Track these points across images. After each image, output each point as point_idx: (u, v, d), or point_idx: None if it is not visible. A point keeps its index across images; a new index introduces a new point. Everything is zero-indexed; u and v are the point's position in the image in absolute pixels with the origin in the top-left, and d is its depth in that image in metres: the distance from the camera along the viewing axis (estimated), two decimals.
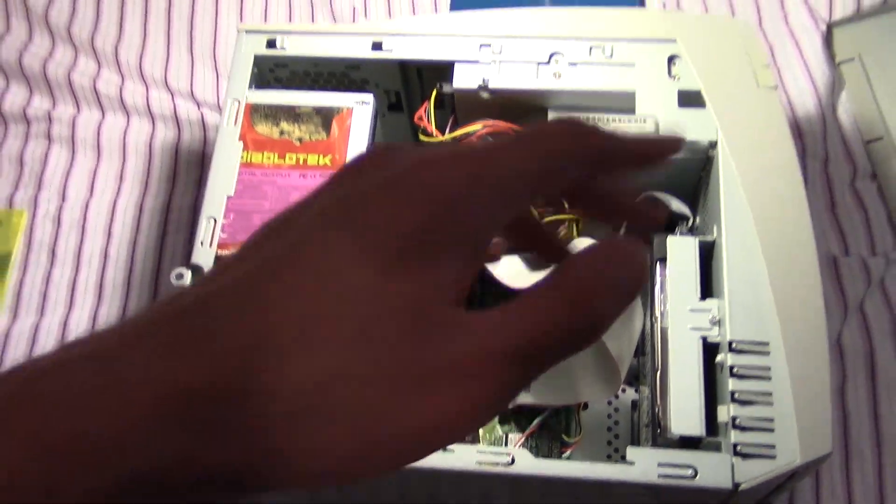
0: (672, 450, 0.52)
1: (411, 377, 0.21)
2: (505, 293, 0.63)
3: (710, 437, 0.53)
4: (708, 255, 0.59)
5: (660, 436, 0.55)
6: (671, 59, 0.64)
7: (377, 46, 0.66)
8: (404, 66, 0.68)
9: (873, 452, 0.66)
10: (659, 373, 0.56)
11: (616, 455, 0.65)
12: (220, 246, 0.59)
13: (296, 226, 0.23)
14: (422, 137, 0.65)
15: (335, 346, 0.21)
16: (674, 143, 0.30)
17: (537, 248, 0.36)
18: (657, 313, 0.58)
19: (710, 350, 0.56)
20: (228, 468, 0.21)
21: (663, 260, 0.59)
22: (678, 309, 0.57)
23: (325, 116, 0.63)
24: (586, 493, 0.55)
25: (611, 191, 0.32)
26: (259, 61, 0.67)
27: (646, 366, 0.62)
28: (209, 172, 0.61)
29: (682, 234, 0.61)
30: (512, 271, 0.64)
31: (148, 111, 0.84)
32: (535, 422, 0.65)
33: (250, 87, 0.65)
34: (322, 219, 0.23)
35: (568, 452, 0.64)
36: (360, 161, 0.25)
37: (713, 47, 0.64)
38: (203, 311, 0.21)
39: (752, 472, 0.50)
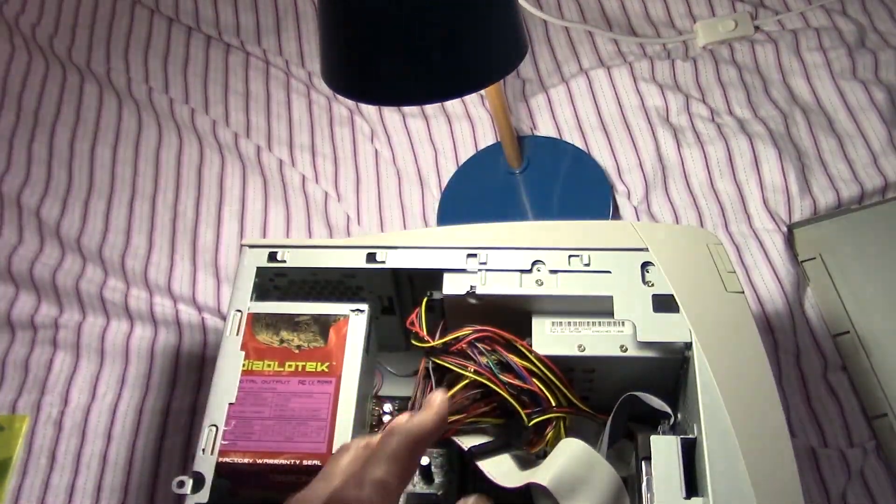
0: None
1: None
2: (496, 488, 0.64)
3: None
4: (690, 451, 0.62)
5: None
6: (644, 266, 0.68)
7: (371, 257, 0.71)
8: (397, 274, 0.73)
9: None
10: None
11: None
12: (221, 453, 0.61)
13: None
14: (414, 342, 0.68)
15: None
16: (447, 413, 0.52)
17: None
18: None
19: None
20: None
21: (648, 458, 0.61)
22: None
23: (323, 325, 0.66)
24: None
25: None
26: (261, 272, 0.71)
27: None
28: (212, 380, 0.63)
29: (664, 432, 0.63)
30: (502, 469, 0.66)
31: (151, 317, 0.88)
32: None
33: (252, 297, 0.69)
34: None
35: None
36: None
37: (682, 255, 0.69)
38: None
39: None
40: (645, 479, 0.61)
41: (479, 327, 0.66)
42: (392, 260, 0.71)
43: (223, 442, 0.61)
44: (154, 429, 0.82)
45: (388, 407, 0.76)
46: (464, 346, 0.66)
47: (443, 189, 0.97)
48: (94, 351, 0.86)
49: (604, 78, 1.01)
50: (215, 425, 0.62)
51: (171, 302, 0.90)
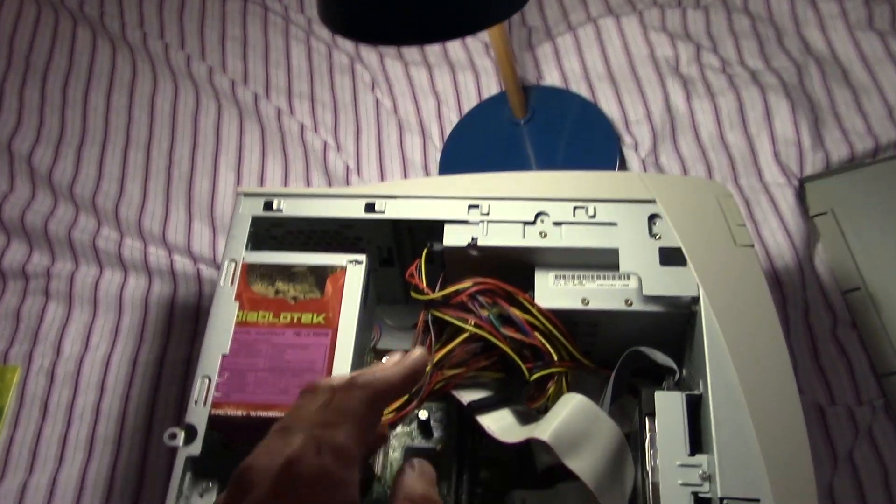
0: None
1: None
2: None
3: None
4: (695, 408, 0.60)
5: None
6: (651, 219, 0.66)
7: (370, 207, 0.69)
8: (396, 225, 0.71)
9: None
10: None
11: None
12: (214, 405, 0.59)
13: None
14: (413, 294, 0.66)
15: None
16: (420, 370, 0.49)
17: None
18: (648, 468, 0.59)
19: None
20: None
21: (652, 415, 0.60)
22: (668, 464, 0.57)
23: (320, 275, 0.65)
24: None
25: None
26: (256, 222, 0.69)
27: None
28: (205, 332, 0.62)
29: (668, 388, 0.62)
30: (503, 424, 0.65)
31: (145, 267, 0.86)
32: None
33: (247, 247, 0.67)
34: None
35: None
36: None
37: (691, 207, 0.67)
38: None
39: None
40: (648, 435, 0.60)
41: (480, 280, 0.65)
42: (391, 210, 0.69)
43: (216, 394, 0.60)
44: (148, 380, 0.80)
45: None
46: (464, 298, 0.64)
47: (445, 139, 0.94)
48: (86, 301, 0.85)
49: (612, 27, 0.98)
50: (208, 377, 0.61)
51: (165, 252, 0.88)
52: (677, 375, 0.63)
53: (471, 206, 0.68)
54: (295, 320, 0.63)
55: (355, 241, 0.72)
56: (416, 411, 0.71)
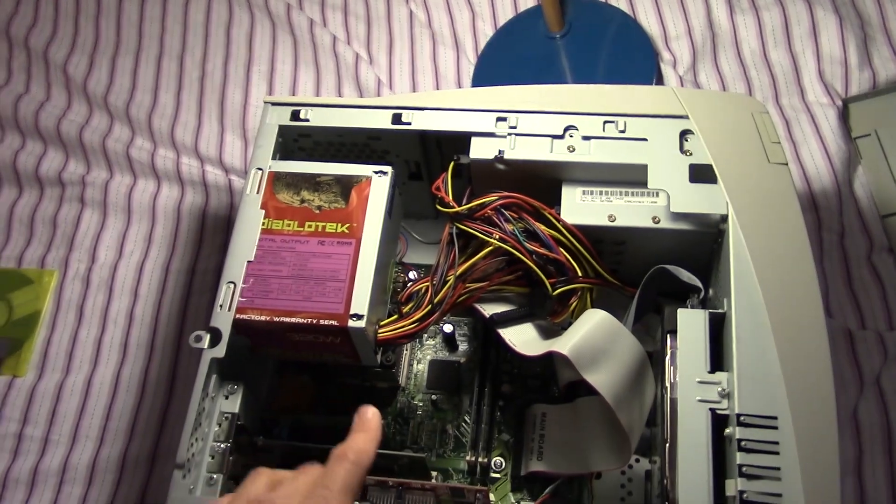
0: None
1: None
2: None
3: None
4: (719, 327, 0.60)
5: None
6: (683, 135, 0.65)
7: (397, 119, 0.68)
8: (424, 138, 0.70)
9: None
10: (668, 444, 0.56)
11: None
12: (238, 310, 0.60)
13: None
14: (439, 207, 0.66)
15: None
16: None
17: None
18: (667, 384, 0.58)
19: (719, 423, 0.56)
20: None
21: (674, 332, 0.60)
22: (687, 381, 0.57)
23: (345, 185, 0.65)
24: None
25: None
26: (283, 131, 0.69)
27: (657, 437, 0.62)
28: (230, 239, 0.62)
29: (692, 306, 0.61)
30: (525, 338, 0.65)
31: (178, 177, 0.87)
32: (548, 490, 0.65)
33: (274, 156, 0.67)
34: None
35: None
36: None
37: (725, 123, 0.65)
38: None
39: None
40: (669, 352, 0.59)
41: (506, 193, 0.64)
42: (418, 121, 0.68)
43: (241, 299, 0.61)
44: (180, 287, 0.82)
45: (412, 274, 0.75)
46: (489, 212, 0.64)
47: (479, 53, 0.92)
48: (121, 209, 0.86)
49: None
50: (233, 282, 0.61)
51: (197, 162, 0.88)
52: (702, 294, 0.63)
53: (498, 119, 0.67)
54: (319, 229, 0.63)
55: (383, 154, 0.71)
56: (441, 323, 0.72)
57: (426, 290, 0.65)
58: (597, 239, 0.65)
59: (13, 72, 0.96)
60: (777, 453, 0.53)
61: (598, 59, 0.88)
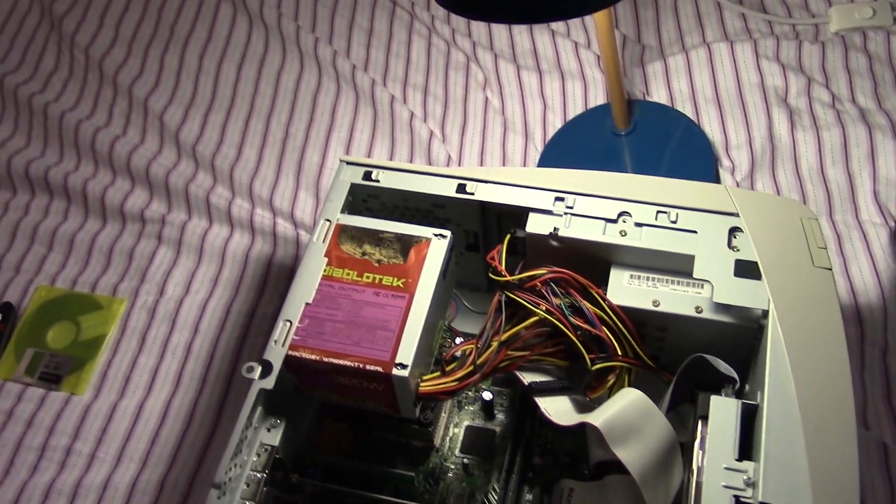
0: None
1: None
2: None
3: None
4: (750, 419, 0.61)
5: None
6: (732, 231, 0.67)
7: (461, 188, 0.72)
8: (484, 210, 0.74)
9: None
10: None
11: None
12: (291, 347, 0.64)
13: None
14: (492, 276, 0.69)
15: None
16: None
17: None
18: (694, 467, 0.59)
19: None
20: None
21: (705, 418, 0.61)
22: (714, 466, 0.58)
23: (405, 244, 0.68)
24: None
25: None
26: (354, 189, 0.74)
27: None
28: (293, 280, 0.66)
29: (726, 395, 0.63)
30: (560, 408, 0.67)
31: (250, 226, 0.93)
32: None
33: (343, 211, 0.72)
34: None
35: None
36: None
37: (774, 224, 0.67)
38: None
39: None
40: (699, 437, 0.61)
41: (557, 269, 0.67)
42: (481, 193, 0.72)
43: (294, 337, 0.64)
44: (238, 328, 0.86)
45: (459, 340, 0.78)
46: (539, 284, 0.67)
47: (546, 142, 0.97)
48: (193, 249, 0.91)
49: (725, 52, 0.99)
50: (290, 321, 0.65)
51: (270, 214, 0.94)
52: (737, 385, 0.64)
53: (557, 199, 0.71)
54: (376, 281, 0.67)
55: (444, 221, 0.75)
56: (481, 389, 0.74)
57: (470, 352, 0.68)
58: (640, 322, 0.67)
59: (114, 116, 1.04)
60: None
61: (660, 158, 0.92)
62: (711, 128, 0.95)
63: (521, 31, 1.06)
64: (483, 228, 0.76)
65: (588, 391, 0.68)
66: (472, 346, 0.68)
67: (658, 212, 0.69)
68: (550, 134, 0.98)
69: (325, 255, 0.68)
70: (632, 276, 0.68)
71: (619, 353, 0.66)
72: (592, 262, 0.69)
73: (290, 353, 0.63)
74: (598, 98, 1.00)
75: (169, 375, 0.83)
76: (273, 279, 0.89)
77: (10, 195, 1.00)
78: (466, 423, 0.74)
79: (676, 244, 0.67)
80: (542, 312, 0.66)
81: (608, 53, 0.84)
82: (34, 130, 1.05)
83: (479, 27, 1.08)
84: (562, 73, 1.02)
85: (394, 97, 1.02)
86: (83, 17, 1.14)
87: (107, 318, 0.87)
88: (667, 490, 0.62)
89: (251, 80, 1.07)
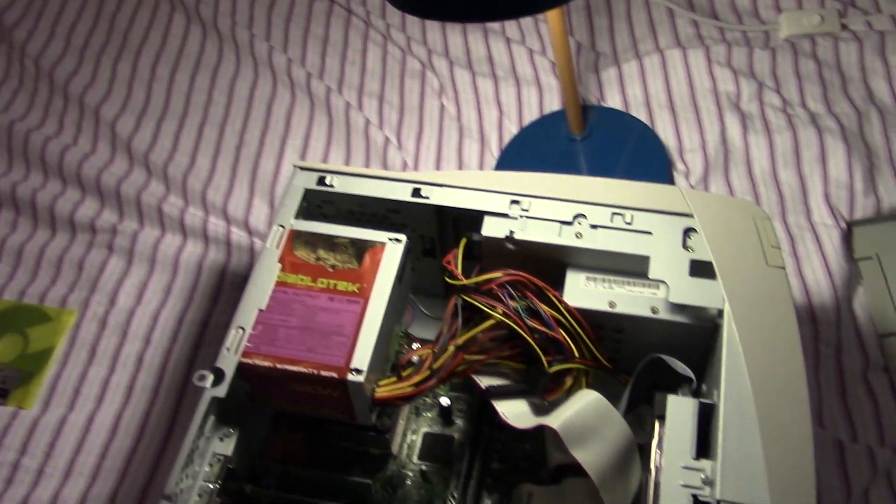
0: None
1: None
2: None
3: None
4: (707, 418, 0.61)
5: None
6: (687, 232, 0.68)
7: (417, 192, 0.72)
8: (441, 214, 0.74)
9: None
10: None
11: None
12: (244, 354, 0.62)
13: None
14: (447, 280, 0.69)
15: None
16: None
17: None
18: (652, 468, 0.59)
19: None
20: None
21: (662, 417, 0.61)
22: (672, 465, 0.58)
23: (360, 248, 0.68)
24: None
25: None
26: (308, 195, 0.73)
27: None
28: (245, 287, 0.65)
29: (683, 395, 0.63)
30: (517, 411, 0.66)
31: (204, 234, 0.91)
32: None
33: (297, 217, 0.71)
34: None
35: None
36: None
37: (727, 225, 0.68)
38: None
39: None
40: (657, 437, 0.61)
41: (513, 271, 0.67)
42: (436, 197, 0.72)
43: (247, 344, 0.63)
44: (191, 339, 0.84)
45: (416, 346, 0.77)
46: (495, 287, 0.66)
47: (502, 148, 0.97)
48: (145, 259, 0.90)
49: (678, 58, 1.00)
50: (242, 328, 0.64)
51: (224, 223, 0.92)
52: (693, 384, 0.64)
53: (512, 202, 0.70)
54: (331, 286, 0.66)
55: (400, 227, 0.75)
56: (438, 395, 0.73)
57: (427, 357, 0.67)
58: (597, 324, 0.67)
59: (65, 125, 1.02)
60: None
61: (616, 163, 0.93)
62: (666, 133, 0.96)
63: (476, 38, 1.07)
64: (439, 233, 0.76)
65: (545, 394, 0.68)
66: (429, 350, 0.67)
67: (613, 213, 0.69)
68: (506, 140, 0.98)
69: (279, 261, 0.67)
70: (588, 278, 0.68)
71: (576, 355, 0.66)
72: (548, 264, 0.69)
73: (242, 360, 0.62)
74: (553, 104, 1.00)
75: (120, 387, 0.82)
76: (227, 288, 0.88)
77: None
78: (424, 429, 0.73)
79: (631, 245, 0.68)
80: (498, 315, 0.66)
81: (562, 59, 0.85)
82: None
83: (434, 34, 1.08)
84: (517, 79, 1.02)
85: (349, 104, 1.02)
86: (34, 27, 1.12)
87: (56, 330, 0.85)
88: (625, 491, 0.62)
89: (204, 88, 1.05)
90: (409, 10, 0.78)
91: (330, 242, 0.68)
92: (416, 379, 0.66)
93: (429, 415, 0.74)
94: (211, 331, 0.85)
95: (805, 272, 0.83)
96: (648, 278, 0.66)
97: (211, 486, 0.61)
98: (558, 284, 0.68)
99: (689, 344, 0.66)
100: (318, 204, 0.74)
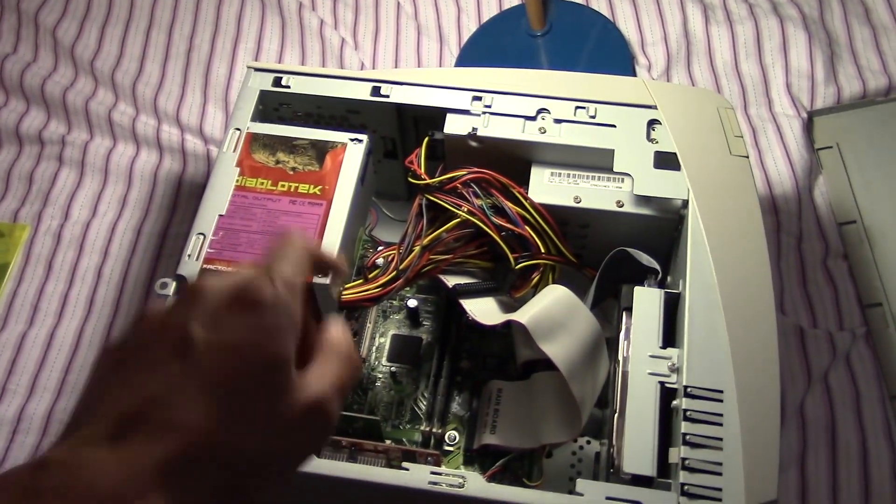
0: (621, 485, 0.53)
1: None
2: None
3: (662, 478, 0.54)
4: (673, 308, 0.62)
5: (613, 475, 0.57)
6: (651, 124, 0.67)
7: (376, 91, 0.70)
8: (401, 113, 0.72)
9: None
10: (617, 415, 0.58)
11: None
12: (206, 261, 0.61)
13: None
14: (411, 180, 0.68)
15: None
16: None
17: None
18: (620, 358, 0.60)
19: (667, 396, 0.57)
20: None
21: (629, 309, 0.61)
22: (639, 355, 0.59)
23: (320, 150, 0.66)
24: None
25: None
26: (264, 97, 0.71)
27: (608, 411, 0.64)
28: (204, 192, 0.64)
29: (649, 286, 0.63)
30: (486, 309, 0.67)
31: (157, 143, 0.88)
32: (498, 463, 0.66)
33: (254, 120, 0.69)
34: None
35: None
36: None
37: (691, 115, 0.67)
38: None
39: None
40: (624, 328, 0.61)
41: (477, 169, 0.66)
42: (396, 95, 0.70)
43: (209, 250, 0.62)
44: (150, 250, 0.82)
45: (381, 249, 0.76)
46: (459, 185, 0.65)
47: (461, 46, 0.95)
48: (98, 170, 0.87)
49: None
50: (203, 234, 0.63)
51: (178, 131, 0.89)
52: (659, 275, 0.64)
53: (474, 98, 0.69)
54: (292, 189, 0.64)
55: (360, 128, 0.73)
56: (405, 297, 0.73)
57: (392, 258, 0.66)
58: (562, 220, 0.67)
59: (2, 33, 0.97)
60: (720, 424, 0.54)
61: (577, 58, 0.91)
62: (627, 26, 0.94)
63: None
64: (400, 134, 0.74)
65: (513, 291, 0.68)
66: (395, 252, 0.66)
67: (577, 107, 0.68)
68: (465, 38, 0.95)
69: (237, 165, 0.66)
70: (552, 174, 0.68)
71: (543, 251, 0.66)
72: (513, 161, 0.68)
73: (205, 266, 0.61)
74: (512, 1, 0.97)
75: (80, 302, 0.80)
76: (184, 197, 0.86)
77: None
78: (392, 331, 0.73)
79: (596, 139, 0.67)
80: (463, 214, 0.65)
81: None
82: None
83: None
84: None
85: (301, 4, 0.98)
86: None
87: (8, 246, 0.83)
88: (594, 383, 0.63)
89: None
90: None
91: (289, 145, 0.67)
92: (383, 280, 0.66)
93: (396, 317, 0.74)
94: (170, 241, 0.83)
95: (767, 163, 0.83)
96: (613, 172, 0.66)
97: None
98: (523, 181, 0.67)
99: (655, 236, 0.66)
100: (275, 107, 0.72)
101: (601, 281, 0.66)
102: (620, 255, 0.66)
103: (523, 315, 0.61)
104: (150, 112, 0.91)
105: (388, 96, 0.70)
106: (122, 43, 0.96)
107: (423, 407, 0.69)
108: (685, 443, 0.54)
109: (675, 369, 0.58)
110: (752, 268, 0.61)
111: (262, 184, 0.65)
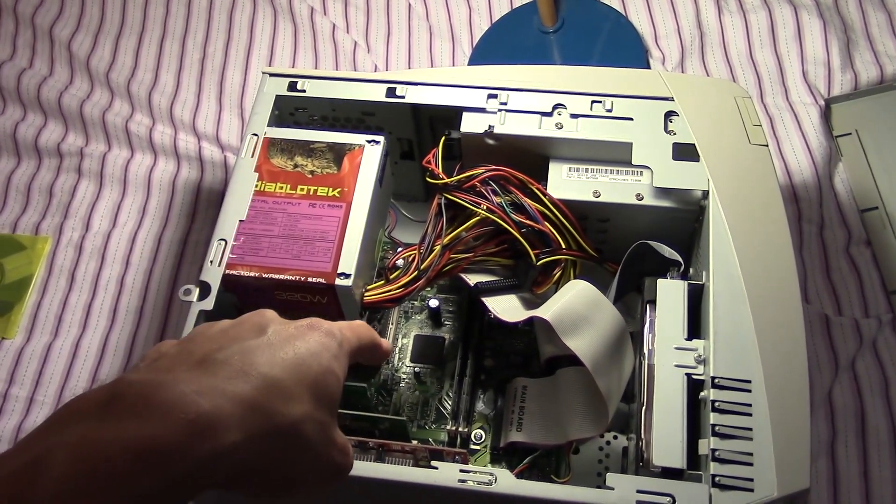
0: (652, 478, 0.53)
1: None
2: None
3: (692, 470, 0.54)
4: (697, 299, 0.61)
5: (642, 468, 0.56)
6: (668, 116, 0.67)
7: (391, 92, 0.70)
8: (417, 114, 0.72)
9: None
10: (644, 408, 0.58)
11: None
12: (228, 266, 0.61)
13: None
14: (429, 180, 0.68)
15: None
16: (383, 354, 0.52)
17: None
18: (645, 351, 0.60)
19: (695, 388, 0.57)
20: None
21: (653, 302, 0.61)
22: (665, 347, 0.58)
23: (338, 152, 0.66)
24: None
25: None
26: (280, 102, 0.71)
27: (635, 405, 0.63)
28: (224, 199, 0.64)
29: (672, 278, 0.63)
30: (508, 307, 0.66)
31: (174, 152, 0.89)
32: (526, 460, 0.65)
33: (270, 125, 0.69)
34: None
35: None
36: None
37: (708, 106, 0.67)
38: None
39: None
40: (648, 320, 0.61)
41: (494, 167, 0.66)
42: (412, 95, 0.70)
43: (231, 255, 0.62)
44: (171, 258, 0.83)
45: (401, 250, 0.76)
46: (477, 183, 0.65)
47: (474, 46, 0.95)
48: (117, 181, 0.88)
49: None
50: (224, 240, 0.63)
51: (194, 139, 0.90)
52: (682, 267, 0.64)
53: (490, 96, 0.69)
54: (311, 192, 0.64)
55: (376, 130, 0.73)
56: (426, 297, 0.73)
57: (413, 258, 0.66)
58: (582, 215, 0.66)
59: (18, 48, 0.98)
60: (749, 414, 0.54)
61: (590, 54, 0.91)
62: (639, 19, 0.93)
63: None
64: (417, 134, 0.74)
65: (534, 287, 0.68)
66: (415, 252, 0.66)
67: (593, 101, 0.68)
68: (477, 38, 0.95)
69: (256, 171, 0.66)
70: (571, 169, 0.68)
71: (563, 246, 0.66)
72: (530, 157, 0.68)
73: (227, 272, 0.61)
74: None
75: (103, 311, 0.80)
76: (203, 205, 0.86)
77: None
78: (415, 332, 0.73)
79: (613, 132, 0.67)
80: (483, 212, 0.65)
81: None
82: None
83: None
84: None
85: (313, 9, 0.98)
86: None
87: (31, 258, 0.83)
88: (619, 376, 0.62)
89: (161, 1, 1.01)
90: None
91: (307, 148, 0.67)
92: (404, 280, 0.66)
93: (419, 317, 0.74)
94: (191, 248, 0.84)
95: (785, 152, 0.82)
96: (632, 165, 0.66)
97: None
98: (541, 177, 0.67)
99: (675, 228, 0.66)
100: (291, 111, 0.72)
101: (623, 275, 0.66)
102: (642, 248, 0.65)
103: (546, 311, 0.61)
104: (167, 121, 0.91)
105: (403, 97, 0.70)
106: (136, 54, 0.97)
107: (448, 406, 0.69)
108: (714, 434, 0.53)
109: (702, 360, 0.57)
110: (776, 256, 0.60)
111: (282, 188, 0.65)
